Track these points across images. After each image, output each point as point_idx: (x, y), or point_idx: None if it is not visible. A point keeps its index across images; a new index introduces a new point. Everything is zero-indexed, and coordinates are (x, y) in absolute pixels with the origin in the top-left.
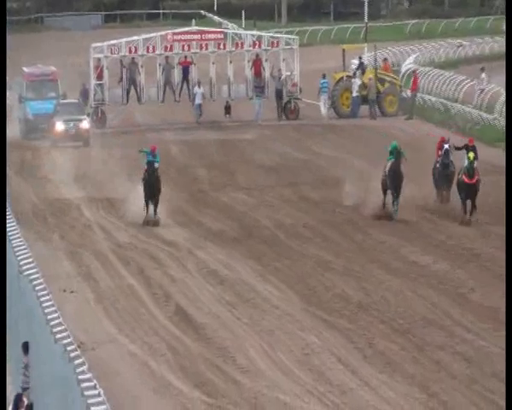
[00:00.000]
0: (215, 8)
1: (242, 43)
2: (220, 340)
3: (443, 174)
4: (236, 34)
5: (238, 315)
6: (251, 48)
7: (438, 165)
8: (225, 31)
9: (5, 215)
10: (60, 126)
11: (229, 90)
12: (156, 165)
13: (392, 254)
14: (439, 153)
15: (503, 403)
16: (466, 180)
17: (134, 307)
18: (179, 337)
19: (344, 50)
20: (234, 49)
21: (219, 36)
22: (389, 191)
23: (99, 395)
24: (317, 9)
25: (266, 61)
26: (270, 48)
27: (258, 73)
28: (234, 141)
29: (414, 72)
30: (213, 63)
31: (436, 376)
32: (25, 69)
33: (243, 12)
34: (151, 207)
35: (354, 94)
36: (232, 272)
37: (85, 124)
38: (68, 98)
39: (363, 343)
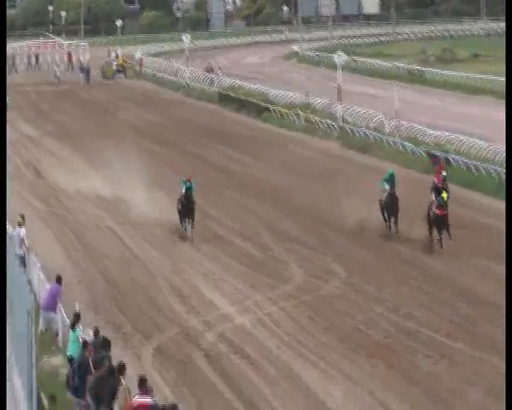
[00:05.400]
0: (51, 31)
1: (63, 46)
2: (55, 180)
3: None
4: (60, 42)
5: (75, 174)
6: (67, 48)
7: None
8: (56, 41)
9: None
10: None
11: (58, 68)
12: (192, 190)
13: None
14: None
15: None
16: (438, 213)
17: (20, 175)
18: (34, 180)
19: (108, 49)
20: (59, 49)
21: (53, 43)
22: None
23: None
24: (97, 30)
25: (73, 54)
26: (75, 48)
27: (69, 61)
28: (61, 91)
29: (140, 59)
30: (49, 55)
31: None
32: None
33: (64, 32)
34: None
35: (114, 68)
36: (69, 154)
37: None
38: None
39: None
